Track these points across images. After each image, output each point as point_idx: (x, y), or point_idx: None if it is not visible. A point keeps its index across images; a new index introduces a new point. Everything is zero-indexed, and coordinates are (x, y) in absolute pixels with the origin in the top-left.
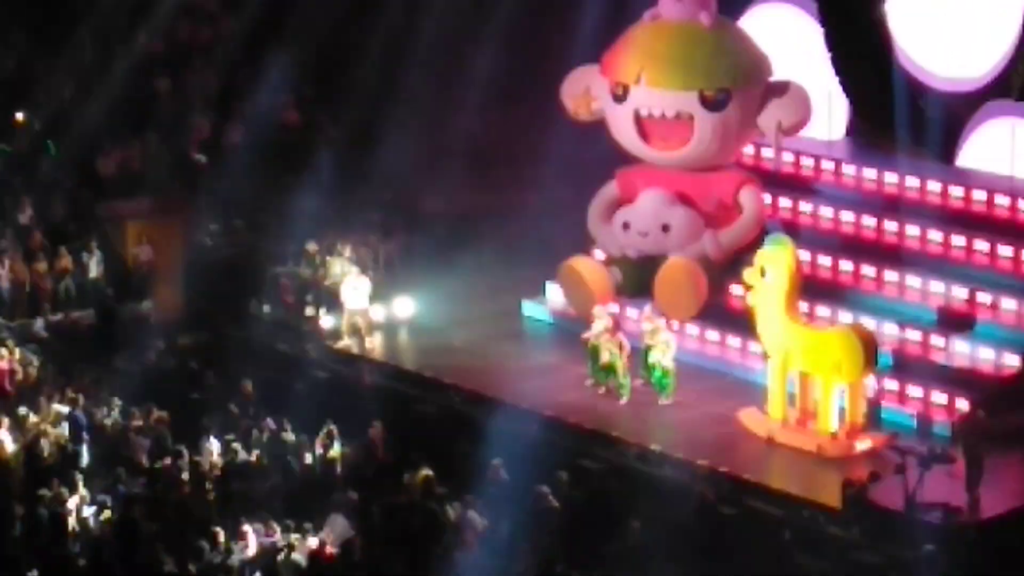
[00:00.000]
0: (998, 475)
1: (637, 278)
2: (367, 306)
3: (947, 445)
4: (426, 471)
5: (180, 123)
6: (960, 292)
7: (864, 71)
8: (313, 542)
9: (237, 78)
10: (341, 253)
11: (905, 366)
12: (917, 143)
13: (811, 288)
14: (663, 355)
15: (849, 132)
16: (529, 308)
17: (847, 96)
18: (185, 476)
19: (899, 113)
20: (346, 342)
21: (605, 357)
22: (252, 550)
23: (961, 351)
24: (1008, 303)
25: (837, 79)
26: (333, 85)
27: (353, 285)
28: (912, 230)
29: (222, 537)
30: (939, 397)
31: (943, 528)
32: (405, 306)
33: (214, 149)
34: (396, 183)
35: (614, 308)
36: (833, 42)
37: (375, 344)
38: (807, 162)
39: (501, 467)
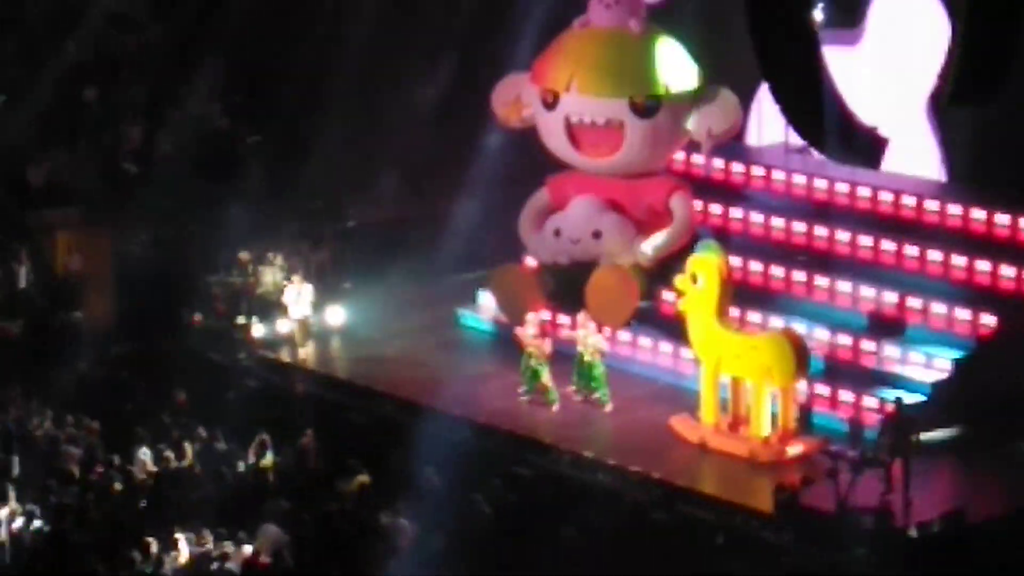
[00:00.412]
0: (929, 480)
1: (569, 285)
2: (310, 313)
3: (878, 449)
4: (362, 478)
5: (109, 132)
6: (891, 297)
7: (792, 77)
8: (246, 551)
9: (166, 87)
10: (272, 262)
11: (836, 371)
12: (847, 148)
13: (742, 294)
14: (596, 360)
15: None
16: (462, 316)
17: (776, 101)
18: (117, 486)
19: (828, 119)
20: (302, 350)
21: (531, 363)
22: (184, 559)
23: (892, 355)
24: (938, 307)
25: (767, 84)
26: (263, 93)
27: (296, 292)
28: (842, 235)
29: (154, 547)
30: (870, 402)
31: (875, 532)
32: (337, 315)
33: (144, 158)
34: (326, 192)
35: (545, 315)
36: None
37: (309, 352)
38: (737, 168)
39: (434, 476)
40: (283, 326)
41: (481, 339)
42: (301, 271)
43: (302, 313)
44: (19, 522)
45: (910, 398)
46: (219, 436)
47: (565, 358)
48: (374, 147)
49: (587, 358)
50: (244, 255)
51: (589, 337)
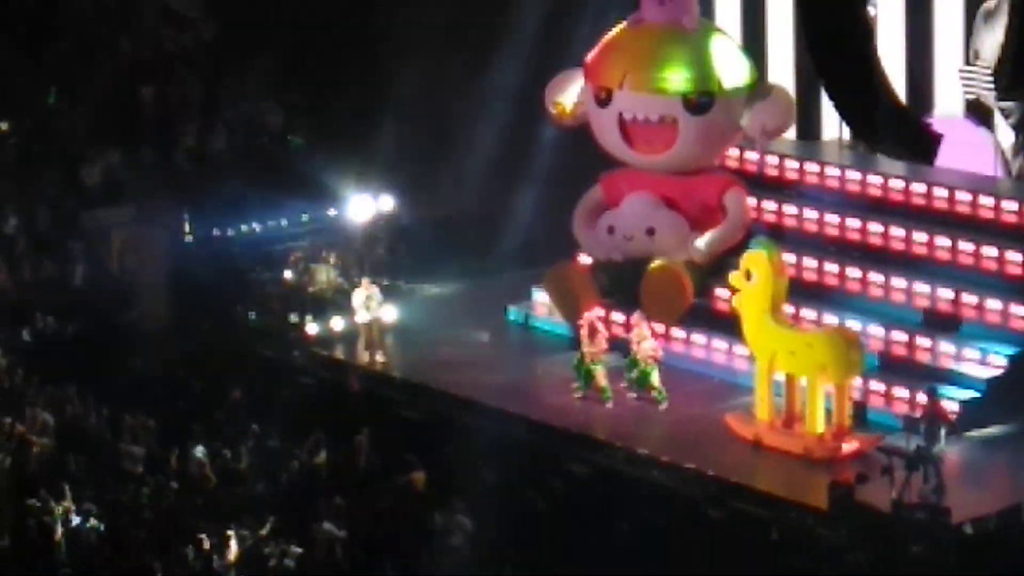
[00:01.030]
0: (985, 476)
1: (623, 282)
2: (380, 316)
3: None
4: (417, 474)
5: (164, 131)
6: (946, 293)
7: (847, 73)
8: (300, 548)
9: (221, 85)
10: (326, 260)
11: (891, 367)
12: (901, 143)
13: (797, 290)
14: (649, 365)
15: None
16: (515, 313)
17: (830, 97)
18: (172, 484)
19: (882, 114)
20: (376, 353)
21: (585, 363)
22: (238, 556)
23: (947, 351)
24: (993, 303)
25: (821, 80)
26: (318, 90)
27: (365, 295)
28: (897, 231)
29: (208, 544)
30: (925, 398)
31: (930, 528)
32: (390, 312)
33: (198, 156)
34: (381, 189)
35: (599, 312)
36: (814, 43)
37: (386, 359)
38: (791, 164)
39: (489, 473)
40: (337, 324)
41: (535, 336)
42: (356, 269)
43: (371, 316)
44: (75, 519)
45: (950, 391)
46: (274, 434)
47: (620, 353)
48: (429, 144)
49: (641, 365)
50: (298, 253)
51: (643, 342)
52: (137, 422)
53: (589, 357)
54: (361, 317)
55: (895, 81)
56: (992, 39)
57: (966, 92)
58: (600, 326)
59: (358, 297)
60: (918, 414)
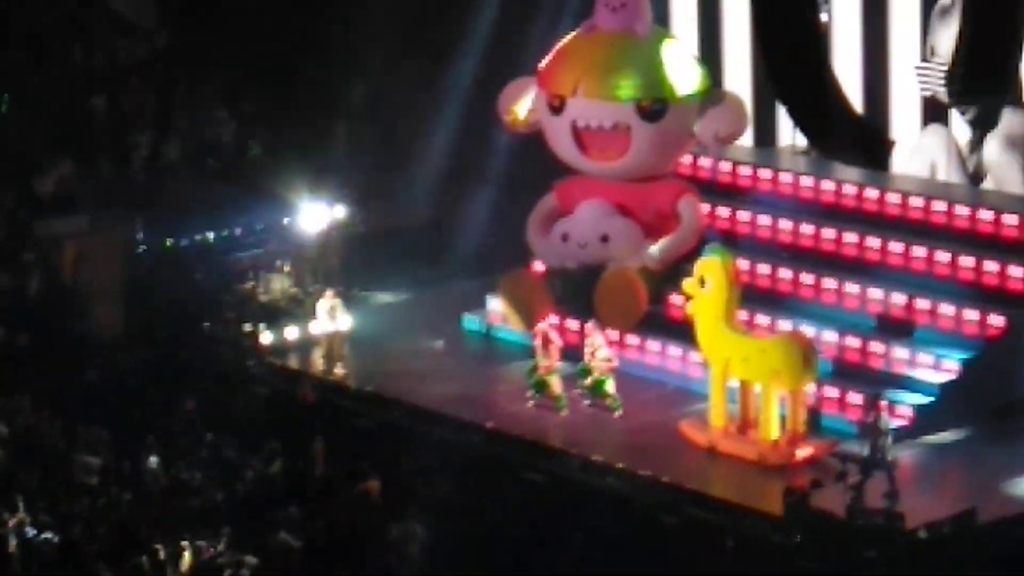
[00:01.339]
0: (939, 480)
1: (577, 289)
2: (344, 328)
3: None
4: (372, 483)
5: (118, 140)
6: (899, 298)
7: (800, 79)
8: (255, 559)
9: (175, 94)
10: (280, 268)
11: (845, 373)
12: (854, 150)
13: (750, 296)
14: (604, 374)
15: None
16: (470, 321)
17: (783, 103)
18: (126, 495)
19: (835, 120)
20: (321, 367)
21: (539, 374)
22: (192, 567)
23: (901, 357)
24: (946, 308)
25: (774, 87)
26: (271, 99)
27: (328, 305)
28: (850, 237)
29: (163, 555)
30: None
31: (884, 534)
32: (344, 321)
33: (152, 166)
34: (335, 198)
35: (552, 321)
36: (768, 49)
37: (346, 369)
38: (745, 171)
39: (444, 481)
40: (291, 333)
41: (489, 344)
42: (309, 278)
43: (334, 327)
44: (29, 531)
45: (903, 396)
46: (228, 444)
47: (574, 360)
48: (382, 152)
49: (595, 374)
50: (251, 262)
51: (599, 351)
52: (91, 433)
53: (543, 368)
54: (323, 327)
55: (850, 87)
56: (948, 35)
57: (922, 89)
58: (554, 336)
59: (321, 307)
60: (867, 419)
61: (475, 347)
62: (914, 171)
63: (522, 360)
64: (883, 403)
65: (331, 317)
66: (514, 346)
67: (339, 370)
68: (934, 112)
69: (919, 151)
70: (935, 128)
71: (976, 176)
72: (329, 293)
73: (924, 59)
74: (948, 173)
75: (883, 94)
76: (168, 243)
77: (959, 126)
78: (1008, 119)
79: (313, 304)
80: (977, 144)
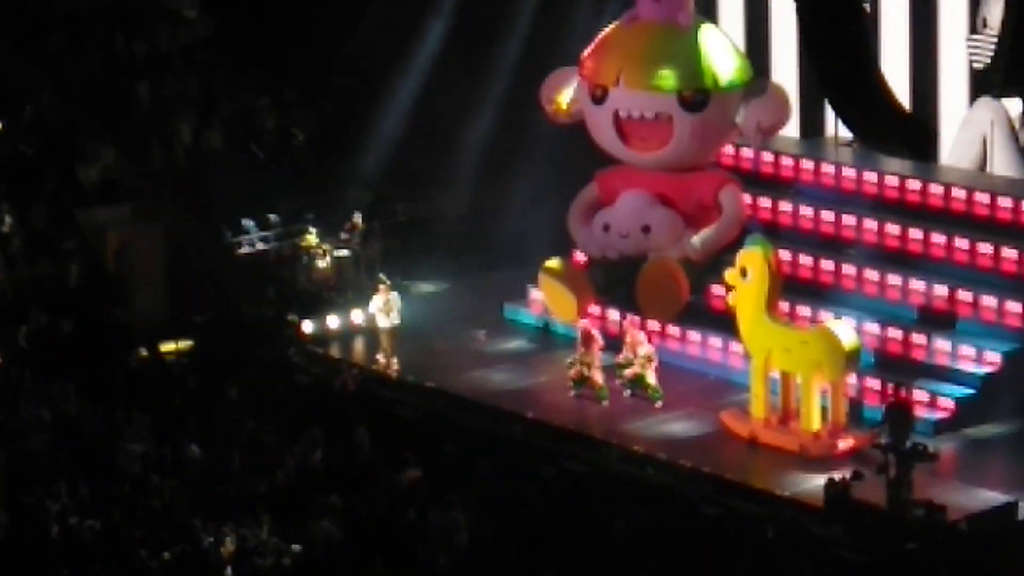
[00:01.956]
0: (981, 473)
1: (618, 280)
2: (399, 322)
3: (929, 443)
4: (413, 472)
5: (161, 128)
6: (941, 290)
7: (844, 71)
8: (297, 547)
9: (217, 82)
10: (322, 257)
11: (887, 364)
12: (897, 141)
13: (792, 287)
14: (645, 370)
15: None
16: (511, 311)
17: (826, 96)
18: (169, 482)
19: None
20: (381, 361)
21: (579, 367)
22: (235, 554)
23: (942, 349)
24: (988, 300)
25: (818, 79)
26: (314, 87)
27: (383, 299)
28: (892, 228)
29: (205, 542)
30: (921, 395)
31: (926, 527)
32: (397, 315)
33: (195, 153)
34: (376, 186)
35: (594, 310)
36: (812, 42)
37: (397, 365)
38: (787, 162)
39: (486, 471)
40: (333, 322)
41: (526, 333)
42: (352, 267)
43: (390, 322)
44: (71, 518)
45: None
46: (270, 431)
47: (615, 350)
48: (425, 141)
49: (638, 370)
50: (293, 250)
51: (639, 348)
52: (133, 420)
53: (584, 364)
54: (380, 322)
55: (895, 79)
56: (999, 7)
57: (973, 61)
58: (596, 334)
59: (375, 303)
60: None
61: (516, 337)
62: (964, 144)
63: (564, 350)
64: (906, 393)
65: (385, 312)
66: (556, 336)
67: (395, 365)
68: (985, 84)
69: (969, 124)
70: (986, 101)
71: None
72: (383, 287)
73: (975, 31)
74: (999, 146)
75: (929, 86)
76: (211, 230)
77: (1010, 99)
78: None
79: (354, 292)
80: None
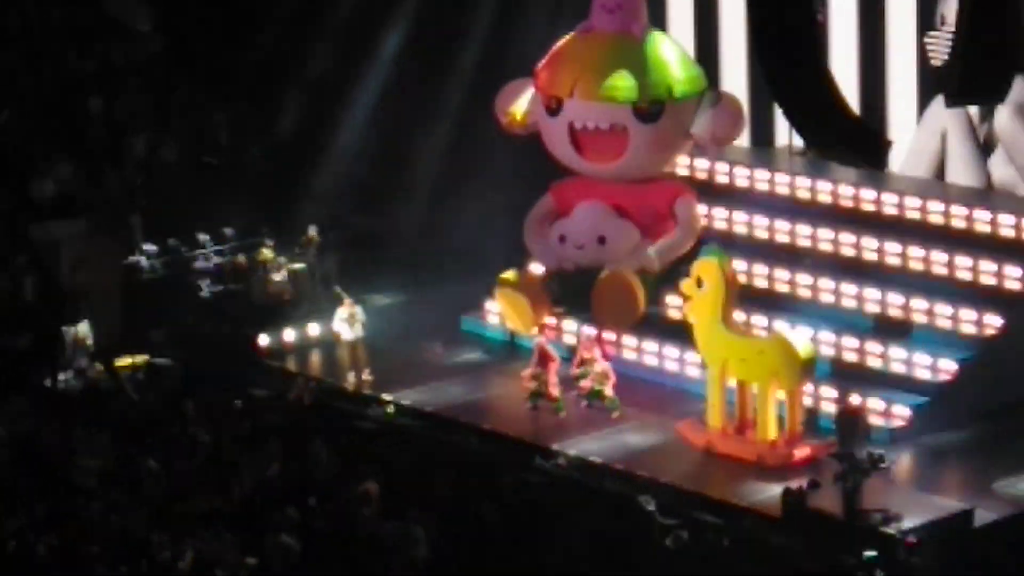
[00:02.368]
0: (936, 481)
1: (574, 291)
2: (362, 335)
3: (886, 451)
4: (370, 485)
5: (114, 143)
6: (896, 298)
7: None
8: (255, 560)
9: (171, 97)
10: (277, 270)
11: (842, 373)
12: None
13: (747, 297)
14: (602, 385)
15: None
16: (467, 323)
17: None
18: (125, 497)
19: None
20: (351, 379)
21: (534, 383)
22: (192, 569)
23: (898, 357)
24: (943, 308)
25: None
26: (266, 102)
27: (347, 313)
28: (847, 238)
29: (163, 557)
30: (877, 404)
31: (882, 534)
32: (360, 328)
33: (148, 169)
34: (330, 201)
35: (551, 321)
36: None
37: (372, 376)
38: (742, 172)
39: (442, 482)
40: (288, 335)
41: (482, 345)
42: (307, 279)
43: (354, 335)
44: (27, 534)
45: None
46: (227, 446)
47: (570, 363)
48: (380, 154)
49: (596, 386)
50: (247, 263)
51: (595, 364)
52: (90, 436)
53: (540, 381)
54: (344, 335)
55: (846, 88)
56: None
57: (932, 58)
58: (551, 350)
59: (340, 315)
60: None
61: (473, 348)
62: (924, 140)
63: (521, 362)
64: (856, 403)
65: (350, 325)
66: (512, 348)
67: (366, 377)
68: (942, 82)
69: (930, 119)
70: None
71: (987, 145)
72: (347, 301)
73: (933, 28)
74: (958, 142)
75: (879, 90)
76: (165, 245)
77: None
78: (1020, 87)
79: (310, 305)
80: (988, 113)
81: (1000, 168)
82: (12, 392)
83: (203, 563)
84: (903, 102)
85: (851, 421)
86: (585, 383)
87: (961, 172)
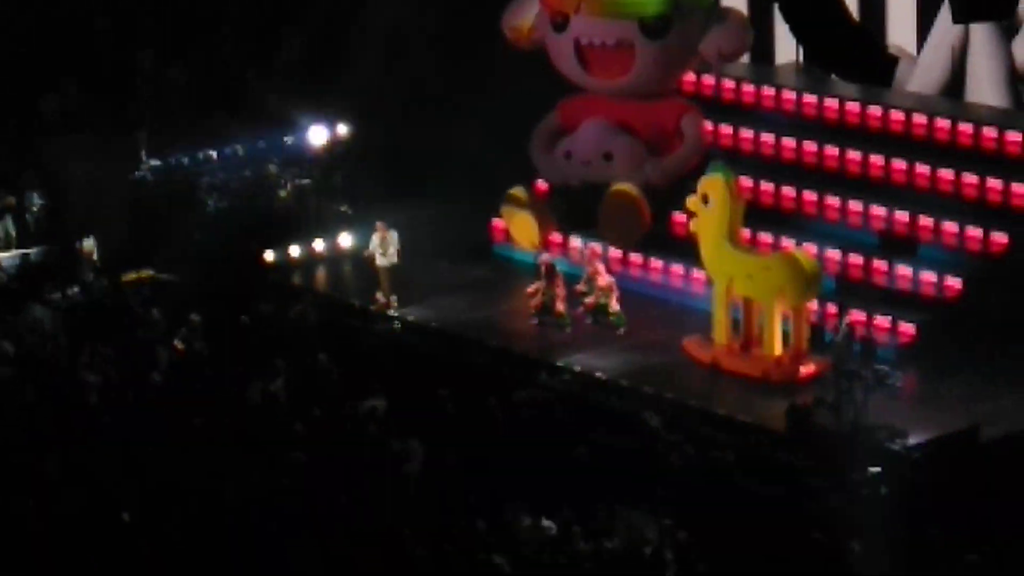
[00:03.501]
0: (941, 398)
1: (580, 207)
2: (396, 261)
3: (891, 368)
4: (375, 401)
5: (122, 61)
6: (902, 215)
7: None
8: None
9: (179, 14)
10: (283, 187)
11: (848, 289)
12: (857, 66)
13: (753, 214)
14: (607, 299)
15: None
16: (474, 240)
17: (786, 19)
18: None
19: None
20: (381, 302)
21: (542, 295)
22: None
23: (904, 274)
24: (949, 226)
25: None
26: (274, 19)
27: (380, 238)
28: (853, 154)
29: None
30: (882, 320)
31: (887, 450)
32: (348, 240)
33: (156, 86)
34: (338, 118)
35: (556, 237)
36: None
37: (396, 302)
38: (748, 88)
39: (449, 398)
40: (294, 251)
41: (490, 263)
42: (313, 196)
43: (388, 261)
44: (35, 450)
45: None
46: (234, 360)
47: (578, 279)
48: (384, 69)
49: (601, 300)
50: (253, 180)
51: (599, 278)
52: (96, 349)
53: (546, 295)
54: (378, 261)
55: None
56: None
57: None
58: (556, 267)
59: (373, 241)
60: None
61: (480, 265)
62: (931, 55)
63: (527, 279)
64: (850, 317)
65: (383, 250)
66: (519, 264)
67: (394, 302)
68: None
69: (936, 34)
70: None
71: (1011, 27)
72: (380, 225)
73: None
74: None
75: (881, 14)
76: (171, 162)
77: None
78: None
79: (315, 221)
80: None
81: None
82: (20, 307)
83: (210, 479)
84: (906, 15)
85: (848, 338)
86: (590, 299)
87: (984, 63)
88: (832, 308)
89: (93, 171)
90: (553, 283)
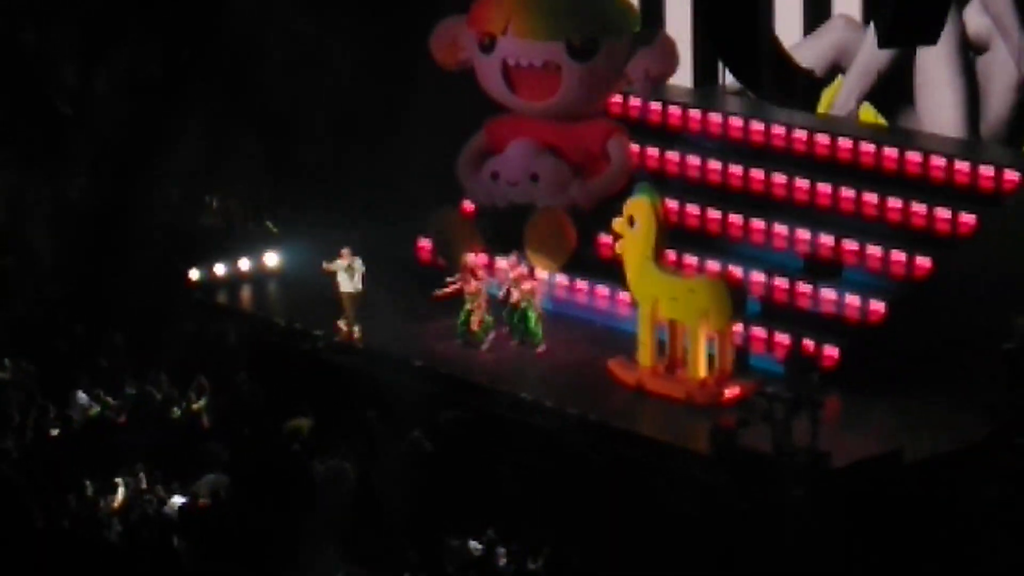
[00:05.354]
0: (866, 420)
1: (506, 228)
2: (361, 288)
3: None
4: (300, 421)
5: (45, 74)
6: (827, 239)
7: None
8: (183, 496)
9: (103, 28)
10: (210, 204)
11: (773, 313)
12: (783, 90)
13: (679, 236)
14: (529, 303)
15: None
16: (400, 259)
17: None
18: (54, 430)
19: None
20: (344, 330)
21: (465, 308)
22: (121, 503)
23: (828, 297)
24: (874, 250)
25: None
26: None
27: (346, 264)
28: (779, 178)
29: (91, 491)
30: (807, 344)
31: (810, 472)
32: (273, 259)
33: (80, 100)
34: (266, 135)
35: (482, 258)
36: None
37: (359, 332)
38: (674, 110)
39: (374, 418)
40: (219, 269)
41: (415, 281)
42: (240, 212)
43: (353, 287)
44: None
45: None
46: (157, 379)
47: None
48: (309, 89)
49: (522, 304)
50: (182, 197)
51: (522, 282)
52: (18, 367)
53: (469, 302)
54: (343, 287)
55: (788, 27)
56: None
57: None
58: (480, 269)
59: (338, 266)
60: (791, 360)
61: (404, 284)
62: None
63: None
64: (807, 344)
65: (349, 276)
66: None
67: (356, 333)
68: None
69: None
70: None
71: None
72: (346, 251)
73: None
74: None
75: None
76: (96, 177)
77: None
78: None
79: (241, 240)
80: None
81: (975, 18)
82: None
83: (131, 498)
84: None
85: (803, 363)
86: (515, 297)
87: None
88: (759, 331)
89: (18, 186)
90: (477, 303)
